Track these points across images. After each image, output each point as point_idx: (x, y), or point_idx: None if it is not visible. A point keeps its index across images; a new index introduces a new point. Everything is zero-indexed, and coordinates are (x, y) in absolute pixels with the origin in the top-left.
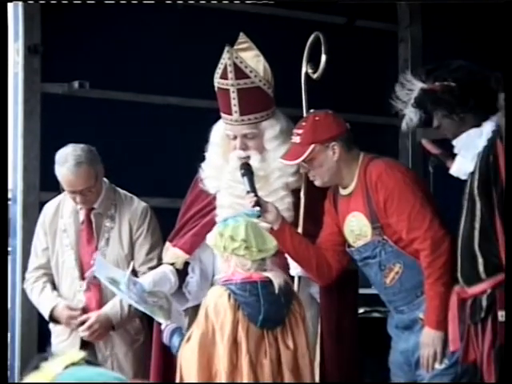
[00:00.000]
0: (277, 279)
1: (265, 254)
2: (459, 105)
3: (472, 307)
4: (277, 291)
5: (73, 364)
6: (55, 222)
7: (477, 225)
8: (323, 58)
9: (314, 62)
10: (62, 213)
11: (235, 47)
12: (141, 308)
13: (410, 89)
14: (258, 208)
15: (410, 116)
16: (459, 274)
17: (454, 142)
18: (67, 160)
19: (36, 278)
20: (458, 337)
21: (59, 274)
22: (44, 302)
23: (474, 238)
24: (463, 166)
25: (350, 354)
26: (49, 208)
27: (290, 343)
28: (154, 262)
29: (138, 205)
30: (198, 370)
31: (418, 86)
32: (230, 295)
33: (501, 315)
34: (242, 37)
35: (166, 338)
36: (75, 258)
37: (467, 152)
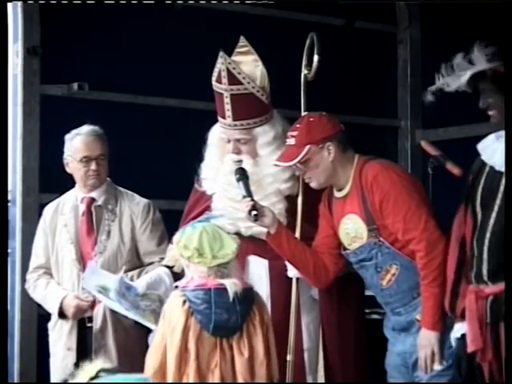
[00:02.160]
0: (232, 287)
1: (221, 260)
2: None
3: (492, 307)
4: (231, 299)
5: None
6: (55, 219)
7: None
8: (316, 58)
9: (310, 63)
10: (63, 210)
11: (235, 50)
12: (130, 315)
13: (472, 62)
14: (254, 212)
15: (449, 83)
16: (485, 270)
17: (498, 137)
18: (82, 129)
19: (38, 276)
20: (479, 336)
21: (59, 271)
22: (51, 295)
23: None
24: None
25: (354, 357)
26: (49, 208)
27: (245, 351)
28: (165, 251)
29: (140, 200)
30: (151, 373)
31: (483, 64)
32: (184, 301)
33: None
34: (242, 40)
35: (150, 339)
36: (76, 251)
37: None
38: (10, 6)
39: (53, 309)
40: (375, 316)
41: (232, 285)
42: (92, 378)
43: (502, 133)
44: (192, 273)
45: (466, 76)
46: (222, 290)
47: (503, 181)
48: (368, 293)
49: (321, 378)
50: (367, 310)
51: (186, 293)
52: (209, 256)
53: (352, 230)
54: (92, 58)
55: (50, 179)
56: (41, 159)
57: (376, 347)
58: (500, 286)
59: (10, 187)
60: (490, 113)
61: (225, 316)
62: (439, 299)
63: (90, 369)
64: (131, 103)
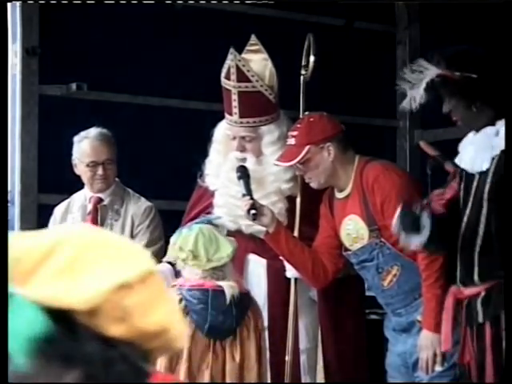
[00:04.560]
0: (229, 289)
1: (216, 263)
2: (479, 97)
3: (467, 309)
4: (228, 301)
5: None
6: (65, 218)
7: (481, 232)
8: (311, 58)
9: (307, 63)
10: (72, 209)
11: (246, 48)
12: None
13: (421, 72)
14: (253, 211)
15: (414, 96)
16: (457, 273)
17: (470, 138)
18: (90, 132)
19: None
20: (450, 337)
21: None
22: None
23: (475, 245)
24: (476, 163)
25: (353, 358)
26: (59, 208)
27: (237, 355)
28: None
29: (144, 203)
30: None
31: (434, 71)
32: (180, 300)
33: None
34: (253, 39)
35: None
36: None
37: (484, 151)
38: (8, 6)
39: None
40: (374, 316)
41: (229, 288)
42: None
43: (470, 135)
44: (187, 274)
45: (421, 87)
46: (219, 292)
47: (475, 183)
48: (367, 293)
49: (321, 379)
50: (366, 311)
51: (182, 291)
52: (203, 259)
53: (353, 230)
54: (91, 59)
55: (49, 179)
56: (39, 159)
57: (375, 347)
58: (473, 290)
59: (8, 188)
60: (454, 118)
61: (220, 318)
62: (441, 300)
63: None
64: (130, 103)
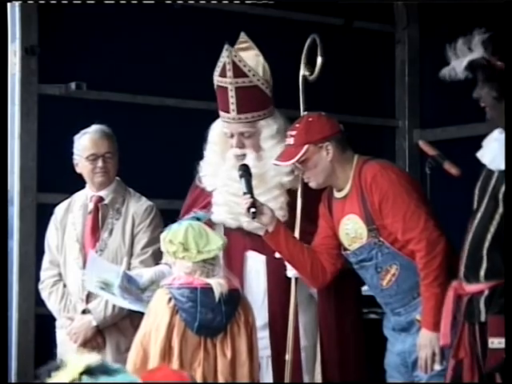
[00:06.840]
0: (218, 287)
1: (206, 255)
2: None
3: (468, 306)
4: (217, 299)
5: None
6: (66, 217)
7: (492, 228)
8: (319, 60)
9: (310, 63)
10: (72, 208)
11: (236, 46)
12: (136, 308)
13: (470, 48)
14: (253, 210)
15: (456, 68)
16: (462, 269)
17: (497, 133)
18: (90, 128)
19: (54, 282)
20: (449, 332)
21: (66, 269)
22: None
23: (485, 241)
24: (497, 160)
25: (352, 355)
26: (60, 206)
27: (228, 352)
28: (147, 255)
29: (145, 203)
30: (132, 370)
31: (480, 52)
32: (170, 299)
33: (491, 342)
34: (242, 36)
35: None
36: (80, 248)
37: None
38: (8, 5)
39: (63, 325)
40: (373, 316)
41: (218, 285)
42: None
43: (495, 132)
44: (178, 270)
45: (464, 62)
46: (208, 290)
47: (493, 180)
48: (366, 292)
49: (318, 374)
50: (365, 310)
51: (171, 290)
52: (194, 251)
53: (352, 230)
54: (90, 58)
55: (48, 179)
56: (38, 159)
57: (374, 347)
58: (476, 287)
59: (7, 187)
60: (482, 105)
61: (210, 316)
62: (440, 299)
63: (73, 368)
64: (129, 103)
